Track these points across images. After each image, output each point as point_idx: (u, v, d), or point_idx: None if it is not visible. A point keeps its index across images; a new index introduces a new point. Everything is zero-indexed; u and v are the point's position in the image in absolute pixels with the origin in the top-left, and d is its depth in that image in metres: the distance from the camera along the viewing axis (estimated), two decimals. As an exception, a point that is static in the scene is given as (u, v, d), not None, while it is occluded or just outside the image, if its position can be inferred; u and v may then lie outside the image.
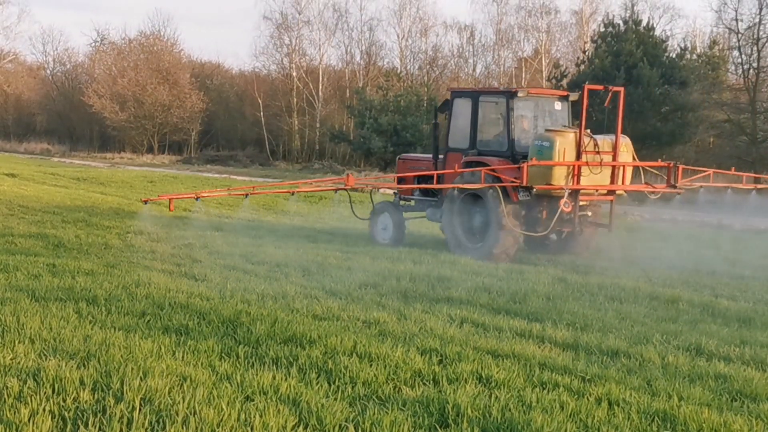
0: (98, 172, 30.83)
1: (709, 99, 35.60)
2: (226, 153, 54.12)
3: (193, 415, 5.27)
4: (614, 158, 13.88)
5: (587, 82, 41.12)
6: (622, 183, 14.16)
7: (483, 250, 13.82)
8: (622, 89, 14.47)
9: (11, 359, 6.31)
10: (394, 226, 15.39)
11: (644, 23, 38.51)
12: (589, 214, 14.63)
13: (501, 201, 13.49)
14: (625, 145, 14.15)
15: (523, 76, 47.79)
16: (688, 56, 39.57)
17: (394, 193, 16.53)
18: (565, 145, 13.47)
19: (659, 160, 20.59)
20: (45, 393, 5.56)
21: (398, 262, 12.36)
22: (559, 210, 13.52)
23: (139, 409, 5.33)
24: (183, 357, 6.63)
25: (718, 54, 42.24)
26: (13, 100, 70.89)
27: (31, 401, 5.39)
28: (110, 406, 5.35)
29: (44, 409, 5.28)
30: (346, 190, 13.19)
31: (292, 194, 15.30)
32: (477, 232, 14.30)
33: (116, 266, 10.93)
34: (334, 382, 6.17)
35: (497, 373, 6.53)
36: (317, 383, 6.13)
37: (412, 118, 41.53)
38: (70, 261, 11.13)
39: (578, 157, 13.53)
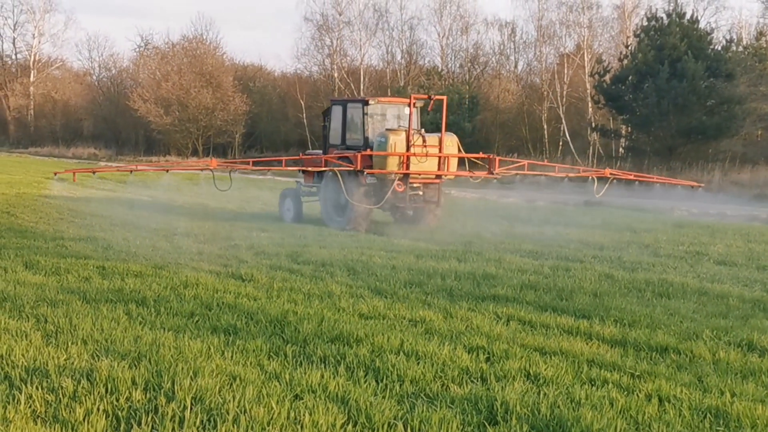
0: (144, 175, 31.13)
1: (756, 91, 35.03)
2: (269, 155, 54.48)
3: (244, 414, 5.32)
4: (440, 150, 17.54)
5: (630, 77, 40.46)
6: (447, 170, 17.86)
7: (342, 222, 17.70)
8: (444, 97, 18.31)
9: (65, 360, 6.42)
10: (294, 207, 19.63)
11: (688, 16, 38.00)
12: (420, 193, 18.18)
13: (341, 183, 17.32)
14: (451, 140, 17.82)
15: (566, 72, 47.35)
16: (734, 48, 38.93)
17: (297, 181, 20.53)
18: (396, 140, 17.31)
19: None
20: (98, 393, 5.66)
21: (442, 260, 12.35)
22: (392, 189, 17.43)
23: (191, 408, 5.39)
24: (232, 356, 6.69)
25: (765, 45, 41.52)
26: (61, 106, 72.31)
27: (86, 401, 5.49)
28: (162, 406, 5.43)
29: (98, 409, 5.37)
30: (210, 170, 16.25)
31: (167, 171, 18.81)
32: (341, 208, 18.01)
33: (164, 268, 11.05)
34: (382, 381, 6.18)
35: (545, 370, 6.49)
36: (365, 381, 6.15)
37: (454, 117, 41.39)
38: (119, 263, 11.29)
39: (407, 149, 17.26)
